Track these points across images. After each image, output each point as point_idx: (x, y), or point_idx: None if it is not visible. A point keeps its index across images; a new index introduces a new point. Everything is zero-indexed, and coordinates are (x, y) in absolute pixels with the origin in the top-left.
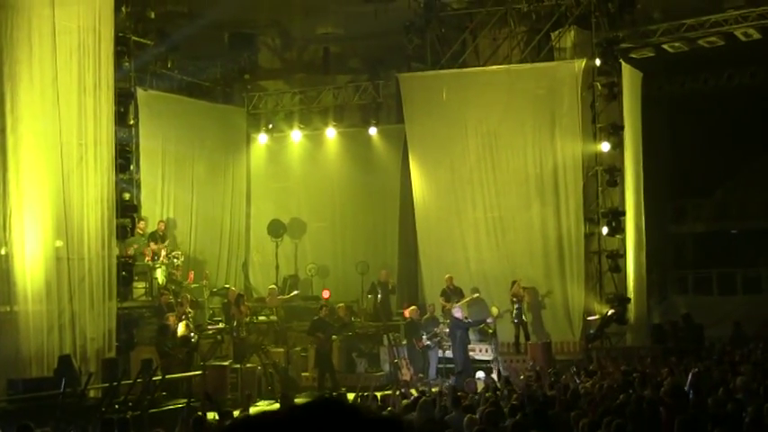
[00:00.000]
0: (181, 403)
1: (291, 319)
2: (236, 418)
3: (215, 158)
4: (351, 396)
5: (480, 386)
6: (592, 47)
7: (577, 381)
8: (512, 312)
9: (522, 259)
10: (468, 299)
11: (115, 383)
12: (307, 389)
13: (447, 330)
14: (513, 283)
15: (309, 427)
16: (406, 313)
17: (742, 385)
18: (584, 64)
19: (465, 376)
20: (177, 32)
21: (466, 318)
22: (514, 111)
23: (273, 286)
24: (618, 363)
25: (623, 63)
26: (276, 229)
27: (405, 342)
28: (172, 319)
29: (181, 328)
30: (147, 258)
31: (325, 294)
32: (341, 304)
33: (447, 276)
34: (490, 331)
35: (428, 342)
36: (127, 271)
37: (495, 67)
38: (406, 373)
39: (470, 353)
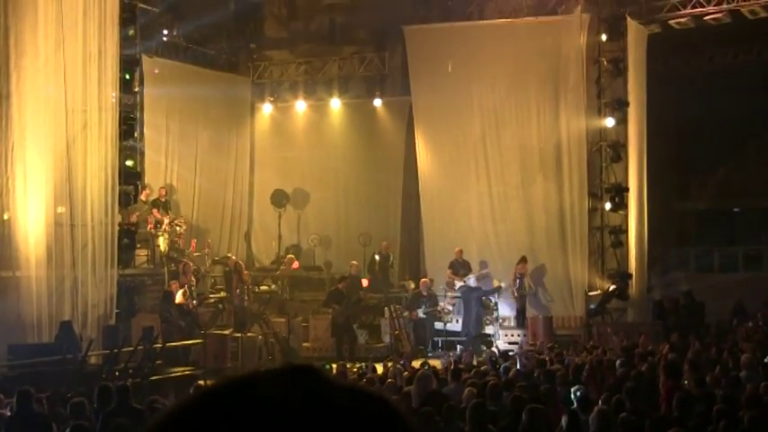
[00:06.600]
0: (180, 371)
1: (293, 289)
2: (199, 388)
3: (219, 127)
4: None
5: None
6: (598, 22)
7: (577, 356)
8: (514, 286)
9: (525, 234)
10: (477, 274)
11: (115, 350)
12: (307, 359)
13: (449, 306)
14: (522, 258)
15: (279, 396)
16: (421, 284)
17: (745, 363)
18: (588, 20)
19: (470, 343)
20: (183, 0)
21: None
22: (520, 85)
23: (291, 255)
24: (618, 338)
25: (629, 19)
26: (279, 198)
27: (406, 313)
28: (174, 286)
29: (179, 297)
30: (149, 226)
31: (295, 265)
32: (354, 262)
33: (457, 249)
34: (492, 305)
35: (423, 315)
36: (129, 238)
37: (501, 20)
38: (406, 345)
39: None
